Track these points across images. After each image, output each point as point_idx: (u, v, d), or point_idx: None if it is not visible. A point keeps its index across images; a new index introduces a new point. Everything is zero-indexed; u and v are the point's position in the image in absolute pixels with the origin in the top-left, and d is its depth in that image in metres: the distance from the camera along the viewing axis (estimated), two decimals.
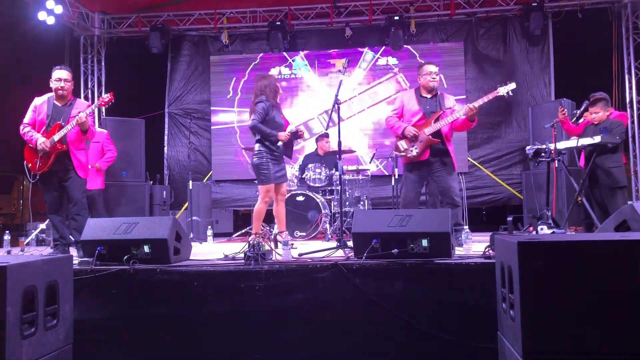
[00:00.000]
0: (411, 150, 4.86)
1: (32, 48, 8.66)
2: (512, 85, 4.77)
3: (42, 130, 4.79)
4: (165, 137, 9.57)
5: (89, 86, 9.38)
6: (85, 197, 4.99)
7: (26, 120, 4.88)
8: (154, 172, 8.54)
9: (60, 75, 4.85)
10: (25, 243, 6.28)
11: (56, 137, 4.71)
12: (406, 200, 4.97)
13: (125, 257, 3.62)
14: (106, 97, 4.92)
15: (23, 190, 14.86)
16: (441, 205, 4.95)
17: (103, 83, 9.52)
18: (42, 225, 6.45)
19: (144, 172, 7.87)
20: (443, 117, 4.81)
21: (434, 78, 4.93)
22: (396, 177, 6.83)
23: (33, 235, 6.48)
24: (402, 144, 4.94)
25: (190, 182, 7.38)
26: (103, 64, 9.57)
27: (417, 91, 5.06)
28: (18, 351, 2.42)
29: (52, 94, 4.91)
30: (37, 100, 4.94)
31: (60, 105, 4.88)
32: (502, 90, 4.75)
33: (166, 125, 9.58)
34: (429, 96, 4.98)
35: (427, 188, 5.06)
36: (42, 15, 7.84)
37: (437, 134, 4.82)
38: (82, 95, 9.19)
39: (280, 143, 4.90)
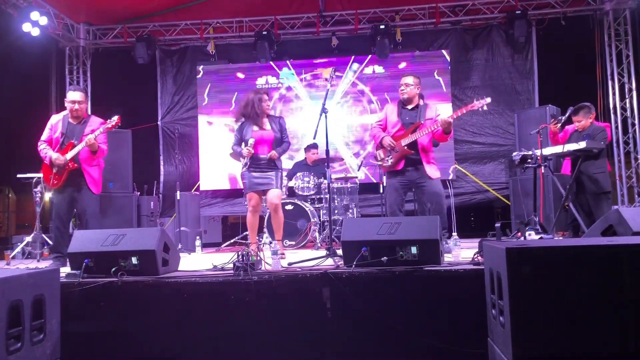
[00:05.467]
0: (387, 160, 5.00)
1: (17, 60, 8.60)
2: (487, 100, 4.84)
3: (57, 148, 5.00)
4: (161, 148, 9.53)
5: None
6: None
7: (43, 137, 5.11)
8: (148, 184, 8.49)
9: (74, 98, 5.12)
10: (11, 256, 6.20)
11: (68, 156, 4.92)
12: (391, 207, 5.02)
13: (113, 269, 3.58)
14: (113, 120, 5.04)
15: (8, 203, 14.71)
16: (430, 212, 4.98)
17: (89, 94, 9.46)
18: (28, 238, 6.36)
19: (132, 183, 7.82)
20: (421, 128, 4.88)
21: (402, 90, 5.05)
22: (384, 184, 6.84)
23: (19, 249, 6.40)
24: (380, 154, 5.09)
25: (178, 192, 7.34)
26: (89, 75, 9.53)
27: (400, 103, 5.16)
28: None
29: (68, 111, 5.13)
30: (53, 119, 5.19)
31: (75, 123, 5.11)
32: (477, 105, 4.82)
33: (160, 137, 9.54)
34: (409, 107, 5.06)
35: (415, 196, 5.09)
36: (26, 27, 7.77)
37: (413, 144, 4.90)
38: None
39: (246, 160, 5.14)
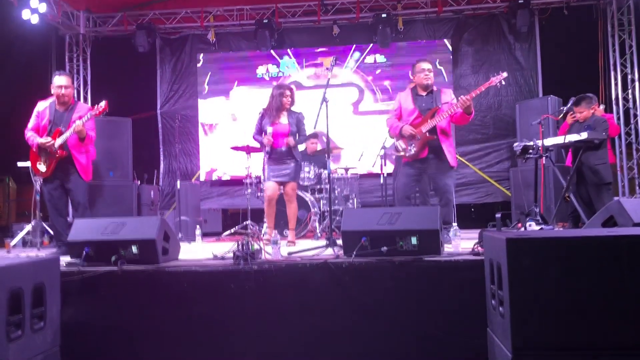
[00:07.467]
0: (409, 150, 4.88)
1: (17, 48, 8.56)
2: (504, 74, 4.78)
3: (45, 135, 4.88)
4: (160, 137, 9.50)
5: (75, 85, 9.27)
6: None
7: (29, 125, 4.99)
8: (148, 173, 8.47)
9: (60, 83, 4.96)
10: (11, 244, 6.21)
11: (57, 144, 4.80)
12: (400, 192, 4.99)
13: (113, 257, 3.58)
14: (101, 106, 4.86)
15: (8, 191, 14.71)
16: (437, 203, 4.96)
17: (89, 82, 9.44)
18: (29, 227, 6.37)
19: (132, 171, 7.81)
20: (439, 112, 4.82)
21: (426, 75, 4.94)
22: (385, 175, 6.84)
23: (19, 237, 6.40)
24: (400, 144, 4.97)
25: (178, 182, 7.35)
26: (89, 63, 9.49)
27: (414, 90, 5.08)
28: (4, 354, 2.39)
29: (55, 98, 4.99)
30: (40, 105, 5.04)
31: (61, 110, 4.99)
32: (495, 80, 4.76)
33: (160, 126, 9.51)
34: (424, 94, 5.00)
35: (418, 185, 5.04)
36: (26, 14, 7.73)
37: (433, 130, 4.83)
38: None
39: (267, 148, 5.38)
